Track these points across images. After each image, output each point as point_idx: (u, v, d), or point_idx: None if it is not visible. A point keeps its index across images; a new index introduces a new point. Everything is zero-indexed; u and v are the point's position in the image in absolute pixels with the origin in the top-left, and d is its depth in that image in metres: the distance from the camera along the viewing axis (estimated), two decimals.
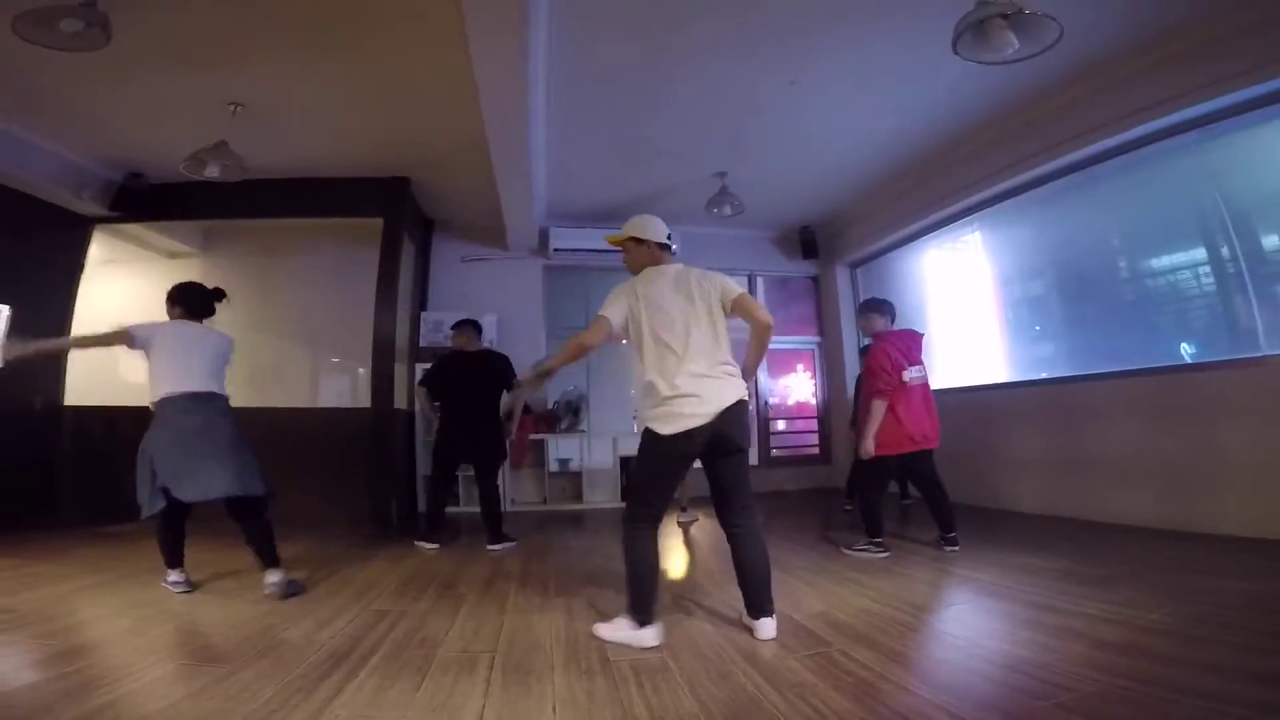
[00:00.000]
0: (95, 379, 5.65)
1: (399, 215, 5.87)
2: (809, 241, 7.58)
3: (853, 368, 7.19)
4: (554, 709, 1.72)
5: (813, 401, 7.96)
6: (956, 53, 3.16)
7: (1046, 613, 2.46)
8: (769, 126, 5.08)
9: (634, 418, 2.53)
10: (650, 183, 6.14)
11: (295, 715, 1.63)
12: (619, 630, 2.29)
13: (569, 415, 6.57)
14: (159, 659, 2.01)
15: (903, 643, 2.26)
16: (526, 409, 6.40)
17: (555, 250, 6.88)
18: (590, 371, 7.15)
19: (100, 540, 4.22)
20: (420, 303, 6.75)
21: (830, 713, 1.67)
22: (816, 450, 7.80)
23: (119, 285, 6.19)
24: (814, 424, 7.91)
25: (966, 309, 6.20)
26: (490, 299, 6.79)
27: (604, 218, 6.83)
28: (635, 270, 2.64)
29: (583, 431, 6.65)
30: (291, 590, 2.92)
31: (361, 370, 6.31)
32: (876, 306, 3.92)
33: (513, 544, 4.25)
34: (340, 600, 2.84)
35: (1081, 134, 4.55)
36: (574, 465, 6.70)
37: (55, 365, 5.46)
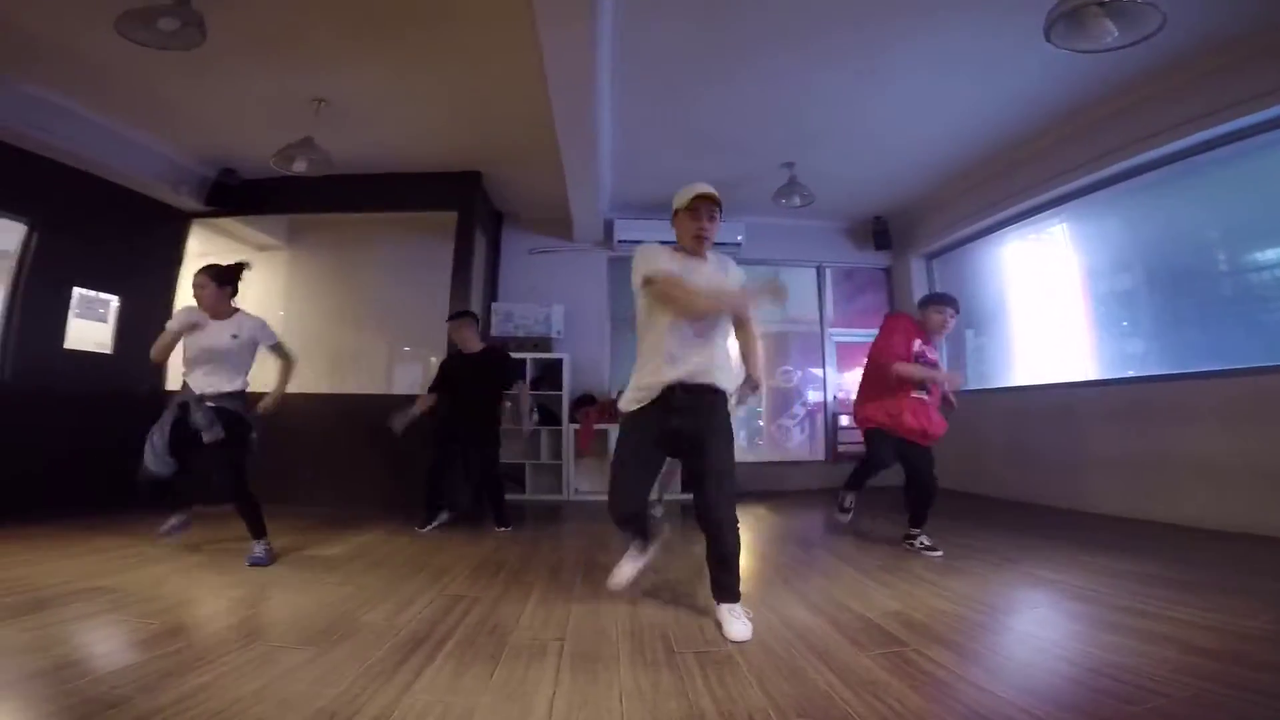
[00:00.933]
0: None
1: (472, 208, 6.01)
2: (881, 232, 7.35)
3: None
4: (620, 699, 1.74)
5: None
6: (1049, 41, 3.02)
7: (1135, 617, 2.34)
8: (839, 117, 4.96)
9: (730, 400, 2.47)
10: (716, 173, 5.97)
11: (377, 698, 1.68)
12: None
13: None
14: (251, 640, 2.11)
15: (981, 643, 2.19)
16: (591, 399, 6.48)
17: (620, 242, 6.89)
18: None
19: (196, 519, 4.49)
20: (491, 294, 6.91)
21: (906, 712, 1.64)
22: None
23: None
24: None
25: (1050, 303, 5.90)
26: (557, 290, 6.90)
27: (668, 209, 6.79)
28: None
29: None
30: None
31: (434, 359, 6.50)
32: None
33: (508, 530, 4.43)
34: (417, 584, 2.93)
35: (1178, 125, 4.27)
36: None
37: None
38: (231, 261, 3.51)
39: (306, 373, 6.77)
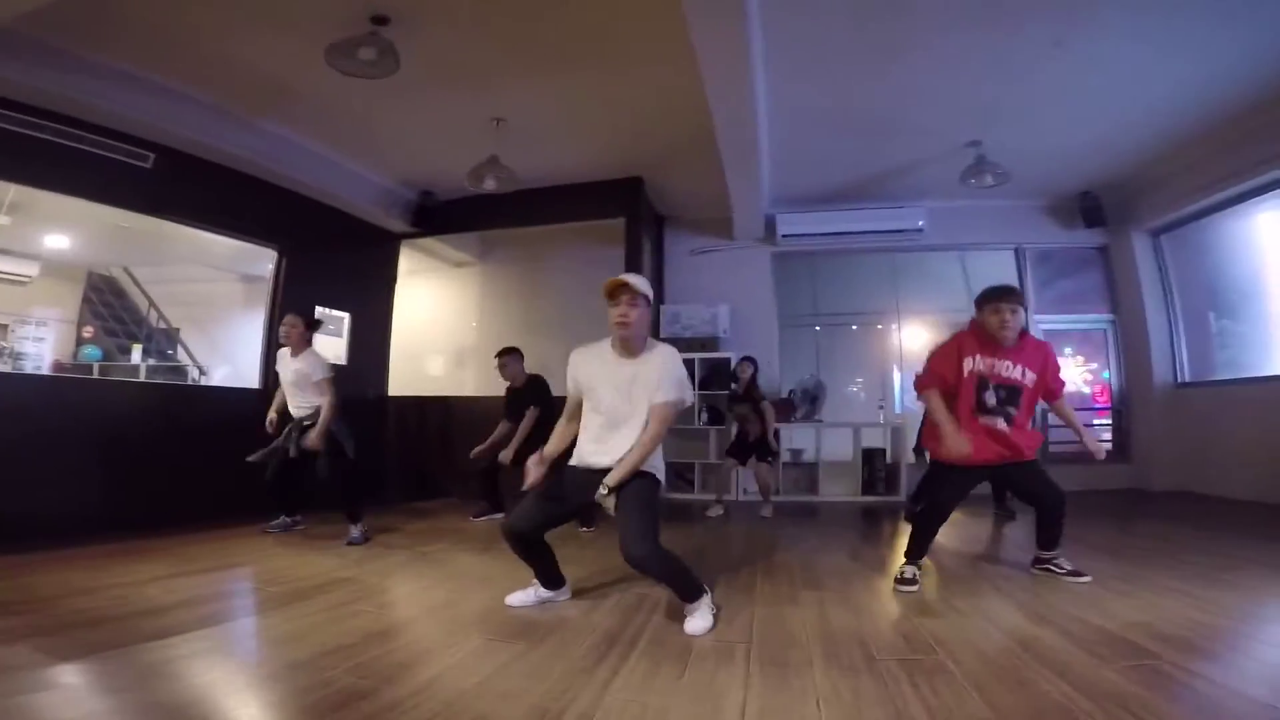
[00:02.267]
0: (409, 372, 6.87)
1: (637, 213, 6.19)
2: (1092, 208, 6.42)
3: (1162, 348, 6.18)
4: (818, 704, 1.66)
5: (1091, 390, 6.79)
6: None
7: None
8: (1030, 91, 4.52)
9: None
10: (887, 159, 5.75)
11: (582, 696, 1.74)
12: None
13: (806, 404, 6.36)
14: (469, 634, 2.25)
15: (1255, 658, 1.87)
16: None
17: (783, 236, 6.72)
18: (820, 356, 6.95)
19: (416, 515, 5.01)
20: (658, 296, 7.00)
21: None
22: (1109, 445, 6.56)
23: (420, 292, 7.46)
24: (1103, 415, 6.72)
25: None
26: (721, 289, 6.90)
27: (834, 199, 6.59)
28: (643, 335, 2.58)
29: (820, 421, 6.40)
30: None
31: None
32: None
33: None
34: (603, 581, 3.02)
35: None
36: (806, 456, 6.49)
37: (381, 359, 6.64)
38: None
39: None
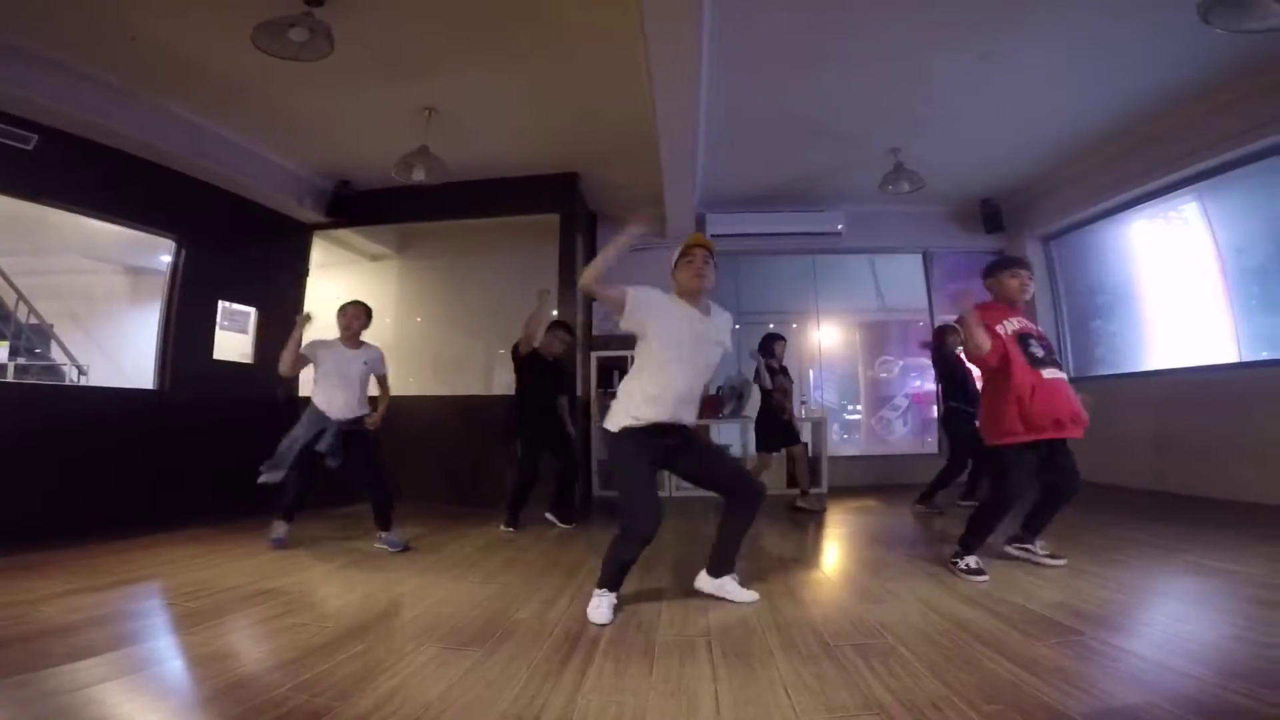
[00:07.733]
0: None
1: (573, 210, 6.12)
2: (992, 215, 6.94)
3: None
4: (786, 692, 1.72)
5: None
6: (1207, 22, 2.96)
7: None
8: (950, 101, 4.79)
9: None
10: (813, 163, 5.97)
11: (554, 699, 1.71)
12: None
13: (733, 400, 6.51)
14: (421, 642, 2.17)
15: (1170, 631, 2.08)
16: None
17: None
18: (741, 354, 7.13)
19: (333, 522, 4.71)
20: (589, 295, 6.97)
21: (1111, 697, 1.57)
22: None
23: (332, 286, 6.94)
24: None
25: (1186, 284, 5.51)
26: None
27: (761, 201, 6.77)
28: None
29: (747, 417, 6.56)
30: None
31: None
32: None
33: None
34: (554, 581, 2.98)
35: None
36: (733, 451, 6.64)
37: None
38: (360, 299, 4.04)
39: (409, 379, 7.12)
